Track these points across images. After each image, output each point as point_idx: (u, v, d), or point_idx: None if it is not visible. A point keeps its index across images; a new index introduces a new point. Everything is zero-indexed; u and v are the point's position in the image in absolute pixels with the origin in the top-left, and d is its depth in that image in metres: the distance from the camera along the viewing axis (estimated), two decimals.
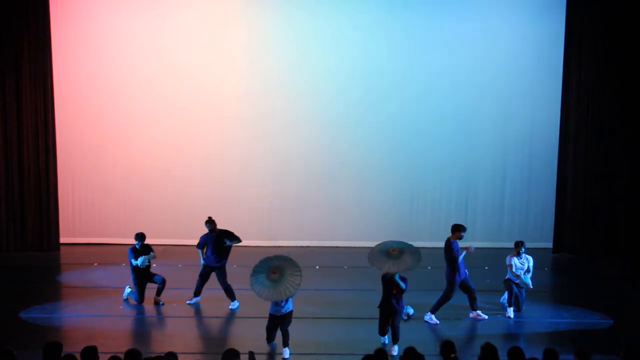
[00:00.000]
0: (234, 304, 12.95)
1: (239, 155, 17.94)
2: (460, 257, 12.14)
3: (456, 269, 12.17)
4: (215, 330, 12.43)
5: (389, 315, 11.03)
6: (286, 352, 10.56)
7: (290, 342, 10.68)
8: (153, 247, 13.39)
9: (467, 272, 12.39)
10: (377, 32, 17.78)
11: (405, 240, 17.56)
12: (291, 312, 10.87)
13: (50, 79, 17.15)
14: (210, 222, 13.17)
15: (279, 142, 17.92)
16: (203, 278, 13.17)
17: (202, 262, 13.17)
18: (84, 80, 17.78)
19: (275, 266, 10.55)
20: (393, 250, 11.06)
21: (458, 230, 12.29)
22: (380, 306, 11.13)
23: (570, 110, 17.36)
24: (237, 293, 13.04)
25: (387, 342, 10.98)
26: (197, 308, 13.06)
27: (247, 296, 12.85)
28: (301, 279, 10.67)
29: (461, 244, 12.33)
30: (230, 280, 13.13)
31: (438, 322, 12.12)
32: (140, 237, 13.17)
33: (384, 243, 11.46)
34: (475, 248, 12.69)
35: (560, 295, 14.46)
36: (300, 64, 17.87)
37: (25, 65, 16.96)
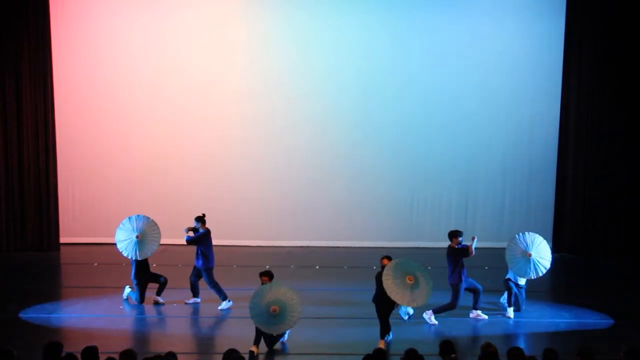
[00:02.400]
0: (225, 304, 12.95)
1: (239, 155, 17.94)
2: (474, 244, 12.09)
3: (462, 272, 12.17)
4: (215, 330, 12.43)
5: (381, 309, 10.99)
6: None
7: (290, 342, 10.67)
8: None
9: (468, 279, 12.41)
10: (378, 33, 17.79)
11: (406, 241, 17.96)
12: None
13: (50, 79, 17.15)
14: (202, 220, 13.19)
15: (279, 143, 17.92)
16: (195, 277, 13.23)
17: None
18: (84, 80, 17.79)
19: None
20: (410, 280, 10.75)
21: (455, 236, 12.30)
22: (374, 300, 11.18)
23: (570, 110, 17.36)
24: (237, 293, 13.03)
25: (390, 337, 11.00)
26: (196, 308, 13.06)
27: (247, 296, 12.88)
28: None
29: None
30: (231, 280, 13.13)
31: (436, 322, 12.12)
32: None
33: (398, 266, 10.94)
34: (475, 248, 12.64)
35: (560, 295, 14.45)
36: (301, 65, 17.88)
37: (25, 65, 16.96)
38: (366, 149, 17.99)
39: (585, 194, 17.40)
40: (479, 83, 17.79)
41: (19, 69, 16.97)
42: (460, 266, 12.20)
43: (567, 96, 17.37)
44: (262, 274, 11.23)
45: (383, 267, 11.16)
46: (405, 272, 10.86)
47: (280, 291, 10.45)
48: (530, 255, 12.38)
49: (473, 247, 12.09)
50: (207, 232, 13.11)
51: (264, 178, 17.98)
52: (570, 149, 17.43)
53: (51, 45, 17.13)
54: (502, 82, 17.79)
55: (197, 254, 13.12)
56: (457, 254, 12.19)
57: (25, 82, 17.02)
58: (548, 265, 12.55)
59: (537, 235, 12.73)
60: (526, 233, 12.73)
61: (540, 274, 12.52)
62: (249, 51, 17.88)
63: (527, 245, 12.46)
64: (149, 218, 13.29)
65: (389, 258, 11.29)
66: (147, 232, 13.08)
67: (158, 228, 13.23)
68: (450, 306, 12.22)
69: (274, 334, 10.56)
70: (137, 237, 12.98)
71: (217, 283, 13.00)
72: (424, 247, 17.76)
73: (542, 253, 12.52)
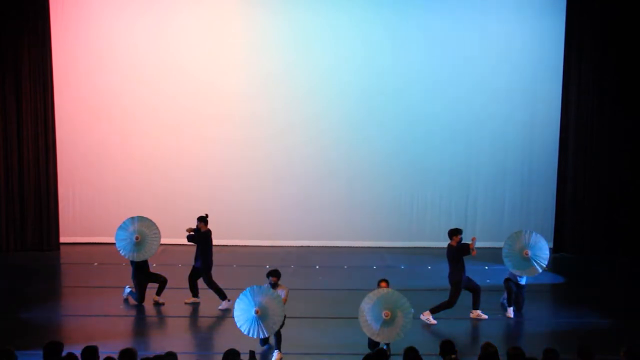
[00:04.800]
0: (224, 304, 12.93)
1: (239, 155, 17.95)
2: (474, 244, 12.06)
3: (462, 270, 12.17)
4: (215, 330, 12.43)
5: None
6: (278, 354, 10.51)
7: (290, 342, 10.67)
8: None
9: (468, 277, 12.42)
10: (378, 33, 17.78)
11: (406, 240, 17.96)
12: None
13: (50, 79, 17.15)
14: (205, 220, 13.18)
15: (279, 143, 17.93)
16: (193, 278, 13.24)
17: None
18: (84, 80, 17.79)
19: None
20: (386, 315, 9.97)
21: (456, 234, 12.29)
22: None
23: (570, 110, 17.36)
24: (237, 293, 13.02)
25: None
26: (196, 308, 13.07)
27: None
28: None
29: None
30: (231, 280, 13.14)
31: (435, 322, 12.12)
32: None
33: (375, 303, 10.11)
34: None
35: (560, 295, 14.46)
36: (301, 65, 17.86)
37: (25, 65, 16.96)
38: (366, 148, 17.99)
39: (585, 194, 17.39)
40: (479, 83, 17.79)
41: (19, 69, 16.96)
42: (460, 265, 12.21)
43: (567, 96, 17.37)
44: (270, 274, 10.96)
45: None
46: (386, 305, 10.03)
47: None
48: (527, 253, 12.37)
49: (474, 246, 12.09)
50: (208, 233, 13.11)
51: (263, 178, 17.98)
52: (570, 149, 17.43)
53: (51, 45, 17.13)
54: (502, 82, 17.79)
55: (197, 254, 13.14)
56: (457, 252, 12.19)
57: (25, 82, 17.01)
58: (538, 272, 12.52)
59: (543, 238, 12.69)
60: (533, 233, 12.71)
61: (525, 275, 12.53)
62: (248, 51, 17.87)
63: (528, 244, 12.44)
64: (150, 220, 13.28)
65: (387, 282, 11.02)
66: (146, 233, 13.08)
67: (158, 230, 13.23)
68: (448, 304, 12.20)
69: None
70: (136, 238, 12.98)
71: (215, 283, 13.01)
72: (424, 247, 17.77)
73: (540, 258, 12.48)
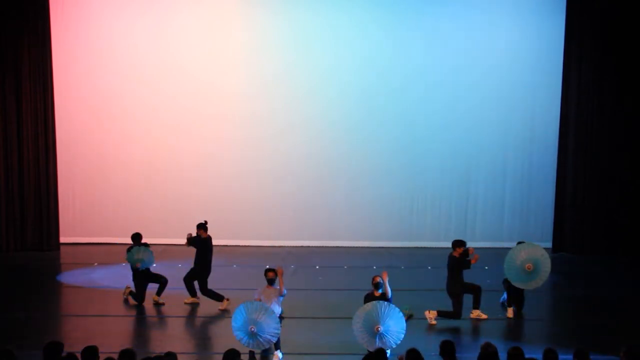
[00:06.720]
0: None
1: (239, 155, 17.95)
2: (471, 257, 12.08)
3: (460, 280, 12.16)
4: (215, 330, 12.42)
5: None
6: (280, 354, 10.51)
7: (289, 342, 10.67)
8: (153, 247, 13.37)
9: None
10: (377, 32, 17.79)
11: (406, 240, 17.96)
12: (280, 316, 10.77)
13: (50, 79, 17.15)
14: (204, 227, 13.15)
15: (279, 143, 17.93)
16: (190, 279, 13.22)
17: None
18: (84, 80, 17.80)
19: None
20: (377, 329, 9.92)
21: (459, 246, 12.26)
22: None
23: (570, 110, 17.37)
24: (237, 293, 13.04)
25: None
26: (195, 308, 13.06)
27: (244, 296, 12.87)
28: None
29: None
30: (231, 280, 13.12)
31: (436, 322, 12.11)
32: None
33: (365, 319, 10.05)
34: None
35: (560, 295, 14.46)
36: (301, 65, 17.88)
37: (25, 65, 16.96)
38: (366, 148, 17.99)
39: (585, 194, 17.39)
40: (478, 83, 17.79)
41: (19, 69, 16.97)
42: (460, 275, 12.20)
43: (567, 96, 17.37)
44: (268, 270, 11.09)
45: (375, 284, 11.06)
46: (375, 320, 10.01)
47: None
48: (530, 267, 12.32)
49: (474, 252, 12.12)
50: (208, 239, 13.08)
51: (264, 178, 17.98)
52: (570, 149, 17.43)
53: (51, 45, 17.13)
54: (502, 82, 17.79)
55: (196, 259, 13.10)
56: (457, 264, 12.17)
57: (25, 82, 17.02)
58: (538, 286, 12.50)
59: (545, 251, 12.64)
60: (537, 245, 12.65)
61: (526, 288, 12.51)
62: (249, 51, 17.88)
63: (530, 257, 12.34)
64: (148, 249, 13.11)
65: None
66: (146, 262, 13.05)
67: (153, 256, 13.20)
68: (455, 315, 12.16)
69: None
70: (136, 265, 12.95)
71: (210, 290, 12.95)
72: (423, 247, 17.77)
73: (540, 272, 12.42)
